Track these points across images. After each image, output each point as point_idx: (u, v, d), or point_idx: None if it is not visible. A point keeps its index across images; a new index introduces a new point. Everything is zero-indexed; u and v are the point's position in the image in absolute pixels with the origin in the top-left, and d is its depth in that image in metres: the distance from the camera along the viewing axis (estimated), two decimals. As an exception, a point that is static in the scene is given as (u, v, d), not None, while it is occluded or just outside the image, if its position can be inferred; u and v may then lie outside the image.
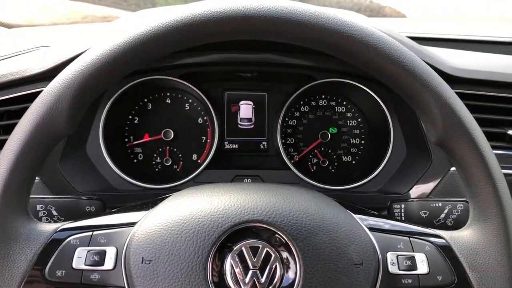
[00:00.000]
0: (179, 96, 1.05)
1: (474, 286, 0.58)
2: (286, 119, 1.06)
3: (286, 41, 0.56)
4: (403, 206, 0.78)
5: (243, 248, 0.54)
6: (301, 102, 1.06)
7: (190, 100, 1.05)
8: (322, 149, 1.06)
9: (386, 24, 1.32)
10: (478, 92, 0.90)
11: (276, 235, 0.54)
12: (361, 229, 0.59)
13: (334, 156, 1.06)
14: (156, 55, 0.56)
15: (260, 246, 0.54)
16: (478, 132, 0.58)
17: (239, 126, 1.06)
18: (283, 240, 0.54)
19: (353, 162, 1.06)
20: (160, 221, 0.56)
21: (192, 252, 0.53)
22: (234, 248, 0.54)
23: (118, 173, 0.93)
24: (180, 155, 1.04)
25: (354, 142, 1.06)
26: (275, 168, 1.02)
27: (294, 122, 1.07)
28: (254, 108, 1.06)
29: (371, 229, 0.61)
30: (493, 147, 0.85)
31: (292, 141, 1.06)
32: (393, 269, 0.59)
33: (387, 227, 0.64)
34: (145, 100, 1.04)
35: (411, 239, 0.62)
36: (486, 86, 0.90)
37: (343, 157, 1.06)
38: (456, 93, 0.87)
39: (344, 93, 1.05)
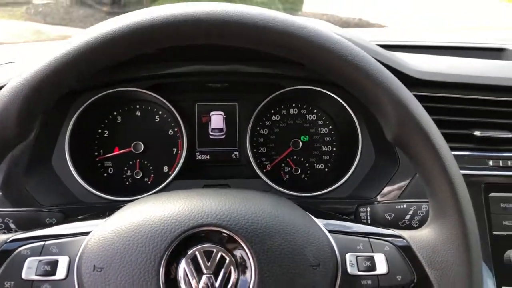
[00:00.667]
0: (149, 108, 1.04)
1: (434, 284, 0.57)
2: (258, 128, 1.06)
3: (238, 44, 0.56)
4: (368, 209, 0.78)
5: (196, 253, 0.53)
6: (272, 111, 1.06)
7: (160, 112, 1.04)
8: (294, 157, 1.05)
9: (362, 33, 1.34)
10: (445, 94, 0.90)
11: (231, 238, 0.53)
12: (319, 231, 0.58)
13: (307, 164, 1.05)
14: (106, 61, 0.55)
15: (214, 250, 0.53)
16: (432, 129, 0.57)
17: (211, 136, 1.06)
18: (238, 243, 0.53)
19: (326, 169, 1.05)
20: (113, 228, 0.55)
21: (144, 258, 0.51)
22: (188, 253, 0.53)
23: (84, 186, 0.92)
24: (151, 168, 1.03)
25: (326, 149, 1.06)
26: (247, 177, 1.01)
27: (265, 131, 1.06)
28: (225, 118, 1.06)
29: (331, 231, 0.60)
30: (461, 149, 0.87)
31: (264, 150, 1.06)
32: (352, 270, 0.58)
33: (347, 229, 0.63)
34: (115, 113, 1.03)
35: (370, 240, 0.61)
36: (452, 89, 0.91)
37: (315, 164, 1.05)
38: (423, 96, 0.90)
39: (314, 101, 1.05)
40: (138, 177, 1.02)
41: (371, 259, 0.59)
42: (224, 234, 0.54)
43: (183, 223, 0.53)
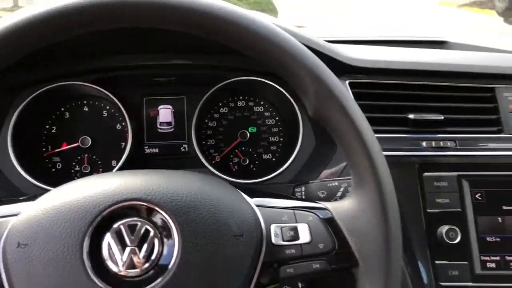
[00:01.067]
0: (97, 103, 1.05)
1: (354, 250, 0.60)
2: (206, 120, 1.08)
3: (158, 25, 0.57)
4: (303, 188, 0.80)
5: (121, 227, 0.54)
6: (220, 104, 1.08)
7: (108, 107, 1.05)
8: (243, 148, 1.07)
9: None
10: (381, 80, 0.94)
11: (155, 212, 0.55)
12: (245, 204, 0.60)
13: (255, 155, 1.08)
14: (35, 43, 0.55)
15: (139, 223, 0.54)
16: (349, 102, 0.60)
17: (159, 130, 1.07)
18: (162, 216, 0.55)
19: (273, 159, 1.07)
20: (40, 206, 0.55)
21: (69, 233, 0.52)
22: (112, 227, 0.54)
23: (31, 180, 0.92)
24: (99, 162, 1.03)
25: (274, 140, 1.08)
26: (196, 169, 1.02)
27: (214, 123, 1.08)
28: (174, 112, 1.07)
29: (258, 205, 0.62)
30: (397, 132, 0.91)
31: (212, 142, 1.08)
32: (276, 240, 0.60)
33: (273, 203, 0.65)
34: (62, 108, 1.03)
35: (295, 212, 0.63)
36: (388, 75, 0.95)
37: (263, 155, 1.08)
38: (361, 83, 0.94)
39: (260, 93, 1.07)
40: (87, 171, 1.03)
41: (295, 229, 0.61)
42: (148, 208, 0.55)
43: (108, 198, 0.54)
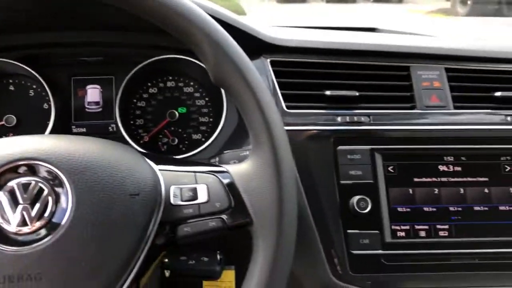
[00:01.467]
0: (23, 82, 1.04)
1: (248, 208, 0.62)
2: (135, 100, 1.08)
3: None
4: (217, 159, 0.82)
5: (14, 185, 0.55)
6: (149, 84, 1.09)
7: (35, 86, 1.04)
8: (172, 128, 1.08)
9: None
10: (300, 59, 0.97)
11: (50, 171, 0.55)
12: (146, 167, 0.62)
13: (184, 135, 1.09)
14: None
15: (33, 182, 0.55)
16: (246, 65, 0.62)
17: (87, 110, 1.07)
18: (56, 175, 0.55)
19: (203, 139, 1.09)
20: None
21: None
22: (5, 186, 0.54)
23: None
24: (24, 141, 1.03)
25: (204, 120, 1.09)
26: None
27: (143, 103, 1.09)
28: (102, 91, 1.07)
29: (162, 170, 0.64)
30: (314, 107, 0.94)
31: (141, 122, 1.08)
32: (175, 200, 0.62)
33: (177, 167, 0.67)
34: (-13, 88, 1.02)
35: (196, 174, 0.65)
36: (307, 54, 0.98)
37: (193, 135, 1.09)
38: (281, 61, 0.96)
39: (190, 73, 1.09)
40: (11, 150, 1.02)
41: (194, 190, 0.63)
42: (43, 168, 0.56)
43: (2, 158, 0.55)
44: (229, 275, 0.97)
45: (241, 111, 0.64)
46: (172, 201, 0.62)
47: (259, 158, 0.63)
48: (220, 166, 0.68)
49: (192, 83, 1.10)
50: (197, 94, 1.10)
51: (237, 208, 0.63)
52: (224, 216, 0.63)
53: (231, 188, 0.64)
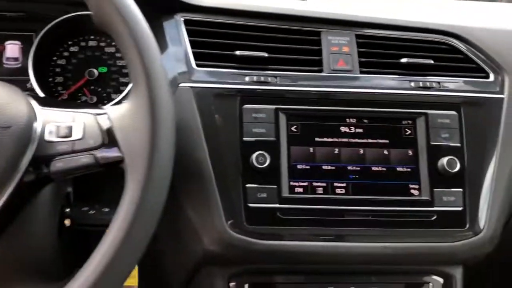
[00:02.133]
0: None
1: (120, 144, 0.64)
2: (55, 58, 1.09)
3: None
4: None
5: None
6: (70, 43, 1.10)
7: (-49, 39, 1.04)
8: (92, 87, 1.09)
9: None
10: (214, 19, 0.99)
11: None
12: (26, 104, 0.63)
13: (104, 94, 1.10)
14: None
15: None
16: (124, 4, 0.63)
17: (5, 65, 1.07)
18: None
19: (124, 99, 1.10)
20: None
21: None
22: None
23: None
24: None
25: (124, 81, 1.10)
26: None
27: (63, 61, 1.09)
28: (22, 47, 1.07)
29: (44, 109, 0.65)
30: (224, 67, 0.95)
31: (61, 79, 1.09)
32: (50, 137, 0.63)
33: (59, 108, 0.68)
34: None
35: (75, 114, 0.67)
36: (222, 14, 1.00)
37: (112, 95, 1.10)
38: (195, 20, 0.98)
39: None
40: None
41: (70, 128, 0.64)
42: None
43: None
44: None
45: (122, 53, 0.66)
46: (46, 137, 0.64)
47: (136, 97, 0.65)
48: (101, 108, 0.69)
49: (113, 44, 1.10)
50: (118, 54, 1.11)
51: (109, 145, 0.64)
52: (96, 153, 0.64)
53: (106, 126, 0.65)
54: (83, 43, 1.10)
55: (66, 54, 1.09)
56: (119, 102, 0.95)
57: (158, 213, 0.63)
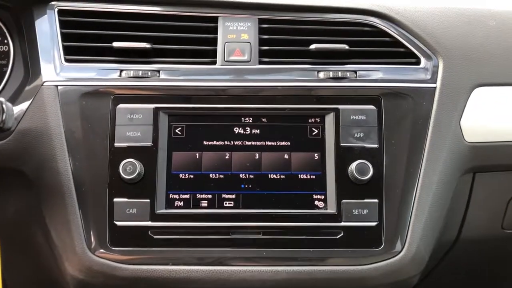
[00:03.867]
0: None
1: None
2: None
3: None
4: None
5: None
6: None
7: None
8: None
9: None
10: (95, 8, 0.86)
11: None
12: None
13: None
14: None
15: None
16: None
17: None
18: None
19: None
20: None
21: None
22: None
23: None
24: None
25: None
26: None
27: None
28: None
29: None
30: (99, 61, 0.83)
31: None
32: None
33: None
34: None
35: None
36: (102, 2, 0.87)
37: None
38: (70, 10, 0.85)
39: None
40: None
41: None
42: None
43: None
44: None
45: None
46: None
47: None
48: None
49: None
50: None
51: None
52: None
53: None
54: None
55: None
56: None
57: None
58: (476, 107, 0.82)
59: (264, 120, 0.80)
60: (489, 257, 1.02)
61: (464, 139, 0.81)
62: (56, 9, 0.85)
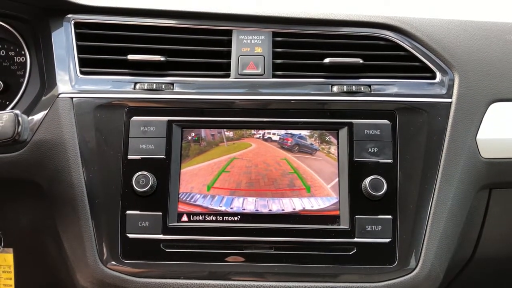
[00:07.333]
0: None
1: None
2: None
3: None
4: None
5: None
6: None
7: None
8: None
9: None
10: (105, 21, 0.87)
11: None
12: None
13: None
14: None
15: None
16: None
17: None
18: None
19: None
20: None
21: None
22: None
23: None
24: None
25: None
26: None
27: None
28: None
29: None
30: (114, 73, 0.83)
31: None
32: None
33: None
34: None
35: None
36: (119, 15, 0.87)
37: None
38: (86, 23, 0.86)
39: None
40: None
41: None
42: None
43: None
44: (7, 259, 0.87)
45: None
46: None
47: None
48: None
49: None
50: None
51: None
52: None
53: None
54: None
55: None
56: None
57: None
58: (492, 122, 0.80)
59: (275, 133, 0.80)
60: (505, 276, 1.00)
61: (480, 155, 0.80)
62: (73, 22, 0.86)
